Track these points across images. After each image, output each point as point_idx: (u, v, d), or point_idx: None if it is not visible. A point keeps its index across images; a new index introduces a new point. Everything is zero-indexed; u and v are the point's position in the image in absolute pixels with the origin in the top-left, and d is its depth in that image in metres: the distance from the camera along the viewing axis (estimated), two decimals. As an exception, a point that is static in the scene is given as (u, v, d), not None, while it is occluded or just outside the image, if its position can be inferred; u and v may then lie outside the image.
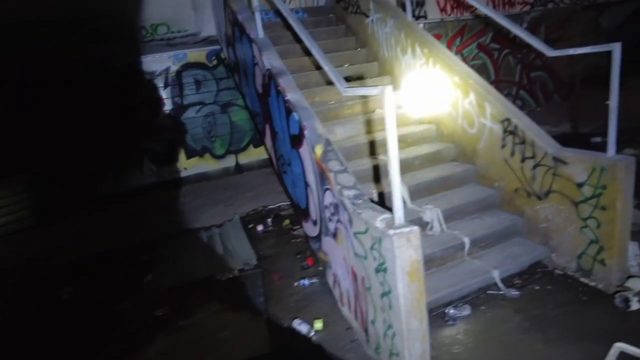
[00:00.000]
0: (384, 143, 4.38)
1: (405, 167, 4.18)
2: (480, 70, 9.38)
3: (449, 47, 8.97)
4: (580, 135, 7.26)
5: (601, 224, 3.03)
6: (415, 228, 2.29)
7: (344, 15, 5.91)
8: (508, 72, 9.66)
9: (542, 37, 9.90)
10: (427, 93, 4.55)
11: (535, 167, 3.43)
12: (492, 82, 9.57)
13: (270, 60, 3.96)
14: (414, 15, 8.45)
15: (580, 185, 3.11)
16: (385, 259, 2.35)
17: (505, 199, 3.83)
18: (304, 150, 3.38)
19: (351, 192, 2.77)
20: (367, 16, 5.32)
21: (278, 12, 5.73)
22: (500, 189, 3.85)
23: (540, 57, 10.00)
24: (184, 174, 8.09)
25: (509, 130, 3.61)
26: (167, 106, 8.01)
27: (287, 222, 5.17)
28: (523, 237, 3.70)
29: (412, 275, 2.28)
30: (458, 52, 9.09)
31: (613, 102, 2.92)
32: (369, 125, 4.63)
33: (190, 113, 8.15)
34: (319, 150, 3.08)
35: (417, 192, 3.93)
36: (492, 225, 3.70)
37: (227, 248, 4.89)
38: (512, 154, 3.62)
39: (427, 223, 3.65)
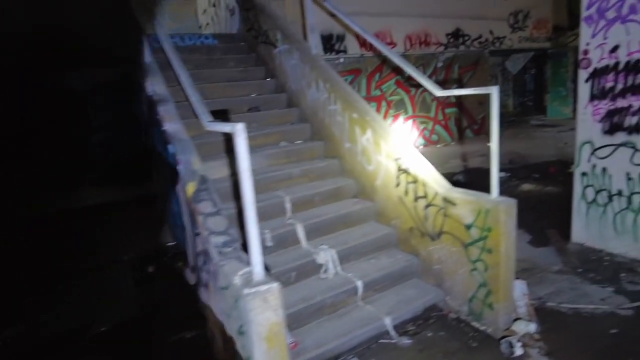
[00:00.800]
0: (285, 177, 4.18)
1: (305, 203, 3.94)
2: (399, 105, 9.65)
3: (369, 82, 9.14)
4: (486, 170, 7.54)
5: (488, 267, 2.93)
6: (275, 286, 1.97)
7: (255, 44, 5.70)
8: (424, 107, 10.01)
9: (456, 75, 10.48)
10: (331, 127, 4.39)
11: (427, 207, 3.31)
12: (409, 117, 9.89)
13: (153, 86, 3.57)
14: (334, 50, 8.56)
15: (468, 227, 3.01)
16: (244, 320, 2.00)
17: (401, 238, 3.68)
18: (179, 188, 2.99)
19: (220, 239, 2.41)
20: (276, 47, 5.14)
21: (180, 37, 5.42)
22: (397, 228, 3.70)
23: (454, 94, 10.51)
24: (86, 202, 7.24)
25: (403, 168, 3.49)
26: (74, 128, 7.23)
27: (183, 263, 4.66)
28: (419, 278, 3.55)
29: (271, 340, 1.95)
30: (377, 87, 9.28)
31: (494, 144, 2.87)
32: (274, 158, 4.35)
33: (98, 136, 7.41)
34: (190, 188, 2.71)
35: (314, 231, 3.66)
36: (388, 266, 3.50)
37: (107, 294, 4.26)
38: (406, 192, 3.50)
39: (321, 265, 3.38)
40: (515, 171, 7.18)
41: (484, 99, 10.65)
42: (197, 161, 2.93)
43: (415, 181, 3.39)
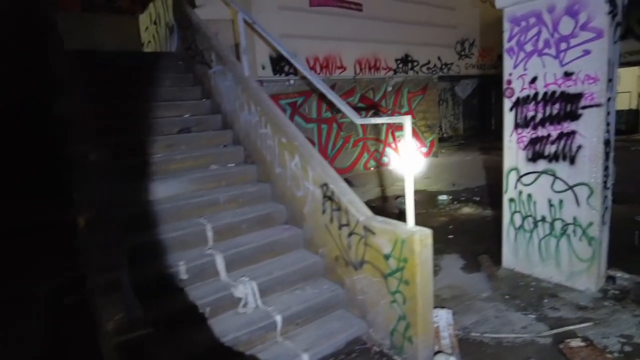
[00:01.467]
0: (212, 203, 3.98)
1: (231, 231, 3.75)
2: (349, 127, 9.70)
3: (319, 104, 9.15)
4: (430, 193, 7.64)
5: (406, 299, 2.84)
6: (150, 333, 1.77)
7: (192, 63, 5.54)
8: (375, 130, 10.13)
9: (405, 100, 10.71)
10: (263, 151, 4.26)
11: (350, 235, 3.22)
12: (360, 139, 9.96)
13: (61, 104, 3.32)
14: (284, 71, 8.53)
15: (387, 257, 2.93)
16: (116, 372, 1.78)
17: (328, 267, 3.55)
18: (78, 217, 2.73)
19: (105, 277, 2.18)
20: (211, 67, 5.00)
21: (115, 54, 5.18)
22: (324, 256, 3.58)
23: (403, 118, 10.71)
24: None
25: (328, 195, 3.39)
26: None
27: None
28: (345, 309, 3.41)
29: (143, 396, 1.74)
30: (328, 110, 9.30)
31: (408, 175, 2.82)
32: (201, 182, 4.15)
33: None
34: (83, 218, 2.47)
35: (237, 261, 3.48)
36: (313, 298, 3.35)
37: (10, 333, 3.85)
38: (331, 220, 3.40)
39: (240, 299, 3.18)
40: (457, 194, 7.31)
41: (432, 123, 10.90)
42: (96, 187, 2.70)
43: (339, 209, 3.29)
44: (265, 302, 3.23)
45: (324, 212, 3.47)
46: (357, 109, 9.84)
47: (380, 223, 2.98)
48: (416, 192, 7.79)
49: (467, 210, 6.46)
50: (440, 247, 5.06)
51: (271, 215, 4.00)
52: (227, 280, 3.29)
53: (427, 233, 2.79)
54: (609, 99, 3.53)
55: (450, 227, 5.76)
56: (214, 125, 4.92)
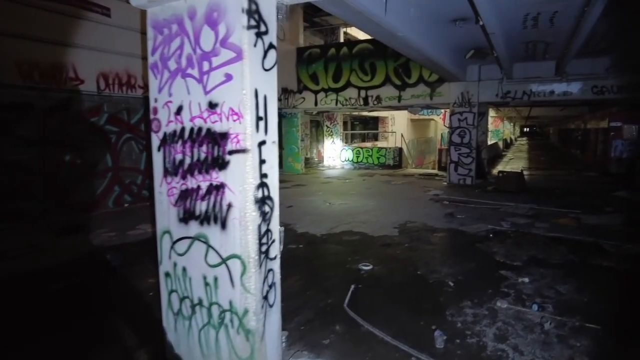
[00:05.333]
0: None
1: None
2: (92, 154, 7.47)
3: (45, 123, 6.70)
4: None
5: None
6: None
7: None
8: (130, 159, 8.14)
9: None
10: None
11: None
12: (110, 169, 7.80)
13: None
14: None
15: None
16: None
17: None
18: None
19: None
20: None
21: None
22: None
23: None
24: None
25: None
26: None
27: None
28: None
29: None
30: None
31: None
32: None
33: None
34: None
35: None
36: None
37: None
38: None
39: None
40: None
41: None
42: None
43: None
44: None
45: None
46: (106, 132, 7.72)
47: None
48: (147, 241, 6.13)
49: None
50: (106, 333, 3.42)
51: None
52: None
53: None
54: (262, 143, 2.51)
55: (151, 293, 4.20)
56: None
